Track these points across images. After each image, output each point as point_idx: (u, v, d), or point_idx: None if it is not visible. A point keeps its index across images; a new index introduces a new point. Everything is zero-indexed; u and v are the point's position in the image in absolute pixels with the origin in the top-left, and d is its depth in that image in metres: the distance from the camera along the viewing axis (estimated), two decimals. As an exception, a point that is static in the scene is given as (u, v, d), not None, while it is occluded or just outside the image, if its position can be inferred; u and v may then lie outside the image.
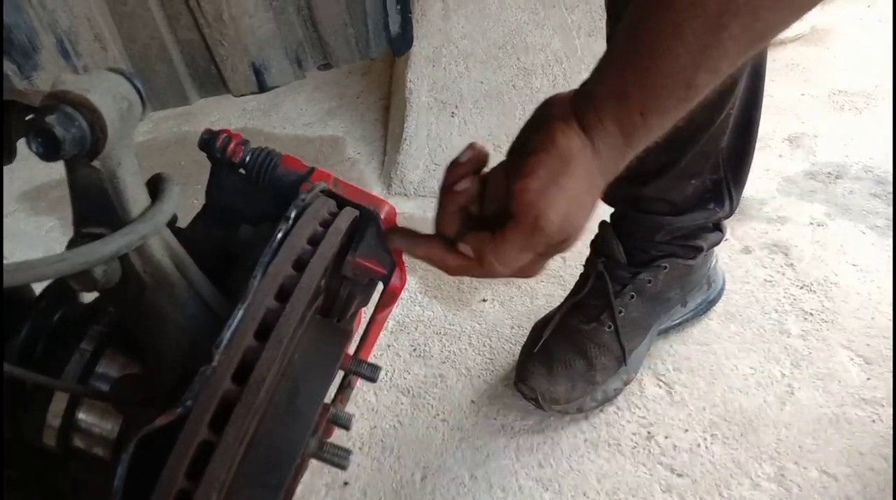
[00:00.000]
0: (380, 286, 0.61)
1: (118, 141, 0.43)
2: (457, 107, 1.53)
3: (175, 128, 1.75)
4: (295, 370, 0.47)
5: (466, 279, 1.21)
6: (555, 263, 1.22)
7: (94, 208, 0.44)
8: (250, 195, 0.59)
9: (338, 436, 0.97)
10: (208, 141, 0.59)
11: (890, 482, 0.84)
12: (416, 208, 1.40)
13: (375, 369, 0.54)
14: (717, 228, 1.00)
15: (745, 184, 0.94)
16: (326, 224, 0.49)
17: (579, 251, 1.24)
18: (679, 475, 0.88)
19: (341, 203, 0.56)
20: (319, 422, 0.51)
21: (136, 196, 0.46)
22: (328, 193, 0.56)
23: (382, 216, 0.58)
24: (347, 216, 0.52)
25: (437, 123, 1.52)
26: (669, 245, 0.96)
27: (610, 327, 0.96)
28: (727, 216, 0.96)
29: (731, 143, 0.89)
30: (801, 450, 0.89)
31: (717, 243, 1.00)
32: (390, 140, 1.58)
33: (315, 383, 0.47)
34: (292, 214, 0.47)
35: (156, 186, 0.49)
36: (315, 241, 0.47)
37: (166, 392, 0.46)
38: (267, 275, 0.42)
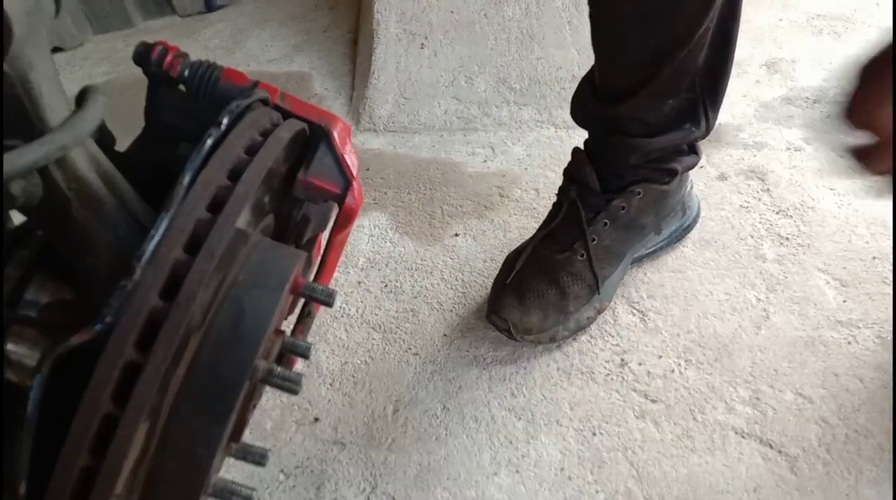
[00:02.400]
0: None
1: (28, 39, 0.39)
2: (426, 38, 1.48)
3: (134, 69, 1.68)
4: (239, 293, 0.44)
5: (438, 214, 1.18)
6: (528, 195, 1.19)
7: (6, 119, 0.40)
8: (191, 113, 0.55)
9: (308, 377, 0.95)
10: (143, 54, 0.55)
11: (865, 403, 0.84)
12: (385, 144, 1.36)
13: (331, 293, 0.51)
14: (693, 150, 0.97)
15: (721, 104, 0.91)
16: (267, 134, 0.45)
17: (552, 183, 1.22)
18: (653, 401, 0.87)
19: (287, 117, 0.52)
20: (270, 346, 0.49)
21: (54, 104, 0.42)
22: (274, 107, 0.52)
23: (335, 134, 0.55)
24: (291, 127, 0.48)
25: (407, 55, 1.47)
26: (644, 169, 0.93)
27: (583, 255, 0.94)
28: (703, 136, 0.93)
29: (708, 60, 0.86)
30: (776, 373, 0.88)
31: (693, 167, 0.97)
32: (358, 74, 1.53)
33: (262, 303, 0.44)
34: (224, 120, 0.44)
35: (81, 98, 0.45)
36: (253, 150, 0.43)
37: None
38: (197, 183, 0.39)
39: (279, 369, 0.45)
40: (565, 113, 1.35)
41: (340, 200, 0.54)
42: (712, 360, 0.90)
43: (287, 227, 0.57)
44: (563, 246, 0.94)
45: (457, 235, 1.14)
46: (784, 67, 1.40)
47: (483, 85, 1.41)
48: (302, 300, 0.62)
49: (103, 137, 0.53)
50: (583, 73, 1.40)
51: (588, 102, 0.93)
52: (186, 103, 0.56)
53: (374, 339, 1.00)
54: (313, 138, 0.55)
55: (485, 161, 1.28)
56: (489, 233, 1.14)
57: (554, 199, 1.17)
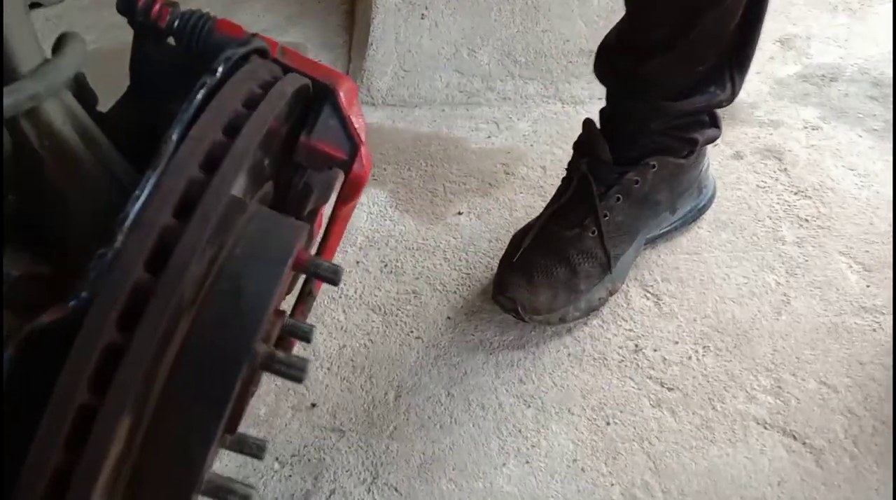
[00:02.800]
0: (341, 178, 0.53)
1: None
2: (427, 8, 1.41)
3: (121, 36, 1.61)
4: (237, 267, 0.39)
5: (440, 192, 1.13)
6: (535, 172, 1.14)
7: (-35, 62, 0.34)
8: (181, 68, 0.49)
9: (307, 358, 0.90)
10: (128, 2, 0.49)
11: (891, 392, 0.80)
12: (384, 118, 1.30)
13: (336, 269, 0.46)
14: (714, 123, 0.92)
15: (748, 70, 0.87)
16: (267, 87, 0.40)
17: (560, 160, 1.16)
18: (669, 389, 0.82)
19: (288, 72, 0.47)
20: (270, 328, 0.44)
21: (23, 48, 0.36)
22: (274, 61, 0.46)
23: (341, 93, 0.49)
24: (294, 81, 0.42)
25: (406, 25, 1.41)
26: (663, 136, 0.88)
27: (594, 232, 0.89)
28: (728, 101, 0.88)
29: (738, 23, 0.81)
30: (798, 361, 0.84)
31: (713, 140, 0.93)
32: (355, 46, 1.47)
33: (262, 280, 0.39)
34: (219, 68, 0.38)
35: (58, 46, 0.40)
36: (252, 104, 0.38)
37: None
38: (188, 137, 0.34)
39: (281, 353, 0.40)
40: (573, 87, 1.30)
41: (347, 166, 0.49)
42: (731, 346, 0.86)
43: (287, 196, 0.51)
44: (573, 222, 0.89)
45: (460, 213, 1.09)
46: (798, 44, 1.35)
47: (486, 58, 1.35)
48: (302, 278, 0.57)
49: (83, 93, 0.48)
50: (591, 46, 1.35)
51: (613, 56, 0.88)
52: (176, 58, 0.50)
53: (373, 321, 0.95)
54: (317, 98, 0.49)
55: (489, 137, 1.23)
56: (494, 212, 1.08)
57: (562, 176, 1.13)
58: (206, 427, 0.38)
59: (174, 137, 0.33)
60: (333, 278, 0.47)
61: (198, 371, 0.36)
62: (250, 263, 0.39)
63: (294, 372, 0.40)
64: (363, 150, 0.49)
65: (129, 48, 0.51)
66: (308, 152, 0.48)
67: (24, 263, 0.40)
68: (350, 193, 0.50)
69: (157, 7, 0.49)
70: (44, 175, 0.37)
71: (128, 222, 0.31)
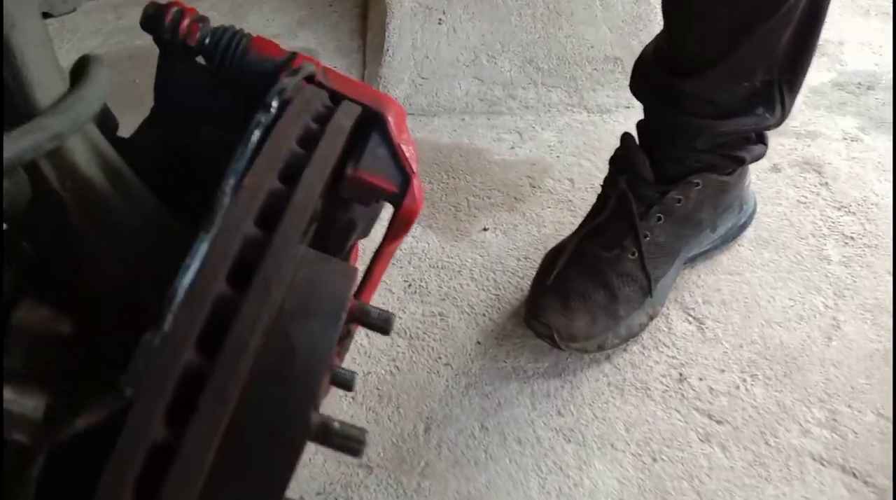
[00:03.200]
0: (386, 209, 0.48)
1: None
2: (444, 12, 1.36)
3: (127, 42, 1.56)
4: (287, 324, 0.34)
5: (463, 206, 1.08)
6: (562, 185, 1.09)
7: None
8: (212, 90, 0.45)
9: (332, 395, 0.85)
10: (154, 17, 0.44)
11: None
12: (402, 128, 1.25)
13: (388, 317, 0.41)
14: (761, 139, 0.87)
15: (799, 90, 0.81)
16: (322, 120, 0.35)
17: (588, 173, 1.11)
18: (718, 422, 0.77)
19: (336, 98, 0.42)
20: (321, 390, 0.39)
21: (44, 79, 0.31)
22: (318, 84, 0.42)
23: (391, 119, 0.44)
24: (350, 112, 0.38)
25: (423, 31, 1.36)
26: (708, 155, 0.83)
27: (634, 253, 0.84)
28: (777, 124, 0.83)
29: (791, 40, 0.76)
30: (853, 391, 0.79)
31: (759, 158, 0.88)
32: (370, 51, 1.42)
33: (315, 338, 0.34)
34: (274, 102, 0.33)
35: (79, 72, 0.35)
36: (308, 141, 0.33)
37: (106, 355, 0.33)
38: (242, 189, 0.29)
39: (336, 423, 0.35)
40: (598, 96, 1.25)
41: (397, 200, 0.44)
42: (781, 375, 0.81)
43: (329, 232, 0.46)
44: (611, 243, 0.84)
45: (485, 229, 1.04)
46: (831, 50, 1.30)
47: (507, 64, 1.30)
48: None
49: (105, 120, 0.43)
50: (615, 52, 1.31)
51: (652, 73, 0.82)
52: (206, 78, 0.45)
53: (399, 346, 0.90)
54: (363, 125, 0.44)
55: (512, 148, 1.18)
56: (521, 228, 1.04)
57: (590, 191, 1.08)
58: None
59: (228, 190, 0.28)
60: (385, 326, 0.42)
61: (249, 455, 0.31)
62: (300, 319, 0.34)
63: (352, 445, 0.35)
64: (415, 182, 0.44)
65: (134, 54, 0.46)
66: (355, 186, 0.43)
67: (42, 320, 0.35)
68: (400, 230, 0.45)
69: (185, 23, 0.44)
70: (68, 222, 0.32)
71: (177, 299, 0.26)
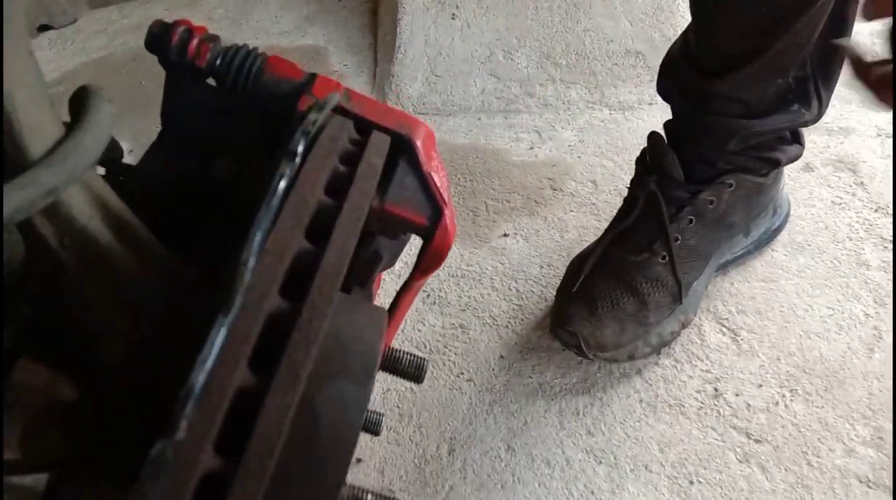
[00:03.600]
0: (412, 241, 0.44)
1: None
2: (458, 7, 1.32)
3: (133, 42, 1.52)
4: (313, 390, 0.30)
5: (482, 211, 1.04)
6: (584, 188, 1.05)
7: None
8: (225, 115, 0.41)
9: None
10: (159, 37, 0.40)
11: None
12: (416, 128, 1.21)
13: (421, 365, 0.38)
14: (797, 139, 0.83)
15: (836, 83, 0.77)
16: (351, 159, 0.31)
17: (612, 174, 1.07)
18: (757, 441, 0.74)
19: (362, 126, 0.38)
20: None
21: (37, 124, 0.28)
22: (342, 111, 0.38)
23: (419, 143, 0.41)
24: (381, 147, 0.34)
25: (436, 26, 1.31)
26: (741, 156, 0.79)
27: (664, 257, 0.80)
28: (814, 121, 0.79)
29: (824, 31, 0.71)
30: (899, 407, 0.75)
31: (796, 159, 0.83)
32: (381, 48, 1.37)
33: (346, 406, 0.30)
34: (299, 149, 0.29)
35: (77, 107, 0.31)
36: (337, 187, 0.29)
37: (113, 428, 0.29)
38: (266, 254, 0.25)
39: (370, 495, 0.31)
40: (619, 92, 1.21)
41: (428, 233, 0.40)
42: (822, 390, 0.77)
43: (353, 267, 0.43)
44: (640, 246, 0.81)
45: (506, 235, 1.00)
46: (864, 42, 1.25)
47: (524, 60, 1.26)
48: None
49: (108, 151, 0.39)
50: (637, 46, 1.26)
51: (679, 72, 0.78)
52: (218, 102, 0.42)
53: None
54: (390, 152, 0.40)
55: (531, 148, 1.14)
56: (543, 233, 1.00)
57: (615, 194, 1.04)
58: None
59: (250, 264, 0.25)
60: (417, 374, 0.39)
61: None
62: (327, 383, 0.31)
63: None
64: (447, 213, 0.40)
65: (139, 55, 0.43)
66: (382, 219, 0.39)
67: (42, 382, 0.32)
68: (430, 265, 0.42)
69: (194, 43, 0.40)
70: (66, 281, 0.29)
71: (191, 402, 0.23)
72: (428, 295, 0.94)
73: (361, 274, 0.44)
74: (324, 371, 0.32)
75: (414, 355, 0.39)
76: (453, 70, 1.27)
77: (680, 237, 0.81)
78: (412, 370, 0.38)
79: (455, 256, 0.98)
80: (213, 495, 0.22)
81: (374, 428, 0.44)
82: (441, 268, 0.97)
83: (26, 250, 0.28)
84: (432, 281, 0.95)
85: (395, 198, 0.39)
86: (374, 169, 0.32)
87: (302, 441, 0.29)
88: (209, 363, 0.23)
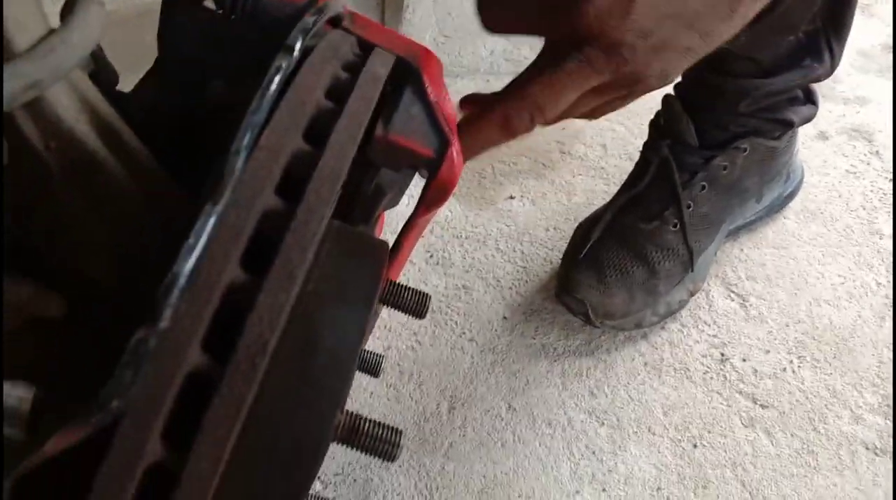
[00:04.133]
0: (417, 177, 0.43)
1: None
2: (469, -33, 1.29)
3: (135, -2, 1.50)
4: (310, 310, 0.29)
5: (488, 173, 1.03)
6: (594, 152, 1.03)
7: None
8: (223, 39, 0.39)
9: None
10: (156, -46, 0.39)
11: None
12: (423, 89, 1.19)
13: (424, 299, 0.37)
14: (810, 99, 0.81)
15: (847, 36, 0.75)
16: (353, 68, 0.30)
17: (622, 138, 1.05)
18: (763, 406, 0.72)
19: (365, 46, 0.36)
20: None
21: (22, 17, 0.26)
22: (344, 31, 0.36)
23: (426, 72, 0.39)
24: (385, 60, 0.32)
25: (446, -14, 1.28)
26: (754, 118, 0.77)
27: (675, 225, 0.78)
28: (827, 75, 0.77)
29: None
30: (909, 375, 0.74)
31: (810, 119, 0.81)
32: (388, 8, 1.34)
33: (343, 330, 0.29)
34: (297, 44, 0.28)
35: (66, 10, 0.30)
36: (338, 92, 0.27)
37: (99, 345, 0.28)
38: (259, 149, 0.23)
39: (367, 422, 0.30)
40: (631, 57, 1.18)
41: (434, 167, 0.39)
42: (830, 357, 0.76)
43: (354, 200, 0.41)
44: (651, 214, 0.79)
45: (512, 197, 0.98)
46: (880, 11, 1.22)
47: (535, 23, 1.23)
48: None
49: (99, 72, 0.38)
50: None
51: None
52: (216, 26, 0.40)
53: (421, 320, 0.85)
54: (395, 79, 0.39)
55: (540, 111, 1.11)
56: (550, 196, 0.98)
57: (625, 158, 1.02)
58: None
59: (241, 149, 0.23)
60: (419, 310, 0.37)
61: (263, 461, 0.27)
62: (325, 306, 0.30)
63: (385, 448, 0.31)
64: (454, 146, 0.39)
65: (143, 12, 0.41)
66: (385, 149, 0.38)
67: (27, 298, 0.30)
68: (434, 200, 0.40)
69: (192, -39, 0.38)
70: (50, 190, 0.27)
71: (176, 291, 0.21)
72: (431, 256, 0.93)
73: (364, 209, 0.43)
74: (322, 294, 0.30)
75: (416, 290, 0.38)
76: (462, 30, 1.24)
77: (692, 205, 0.79)
78: (414, 304, 0.37)
79: (460, 217, 0.97)
80: (199, 394, 0.20)
81: (374, 369, 0.43)
82: (444, 228, 0.96)
83: (8, 153, 0.27)
84: (436, 242, 0.94)
85: (399, 127, 0.38)
86: (378, 77, 0.30)
87: (297, 360, 0.28)
88: (196, 253, 0.21)
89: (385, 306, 0.47)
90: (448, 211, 0.98)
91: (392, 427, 0.32)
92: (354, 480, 0.72)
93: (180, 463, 0.20)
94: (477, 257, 0.92)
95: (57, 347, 0.28)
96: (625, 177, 0.85)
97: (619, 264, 0.78)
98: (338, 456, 0.74)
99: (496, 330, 0.83)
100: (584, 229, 0.83)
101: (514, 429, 0.74)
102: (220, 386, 0.20)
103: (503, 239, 0.93)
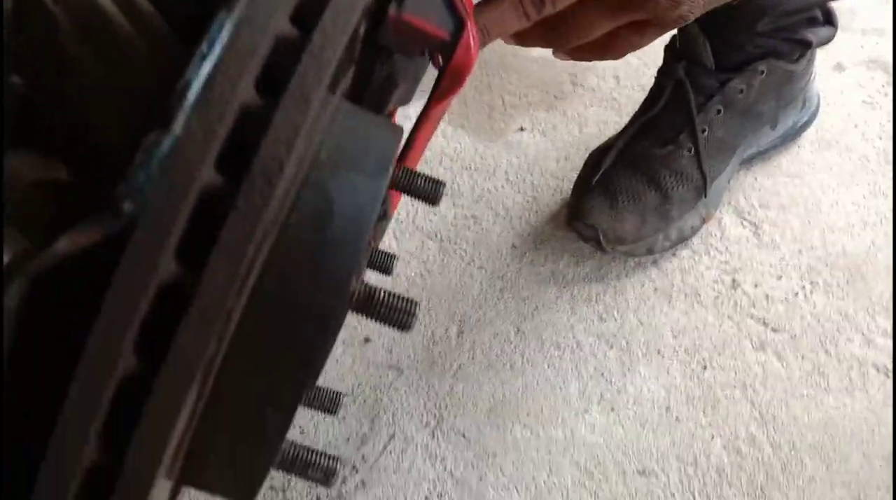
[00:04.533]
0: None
1: None
2: None
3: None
4: (323, 178, 0.28)
5: (498, 105, 1.01)
6: (606, 83, 1.02)
7: None
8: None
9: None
10: None
11: None
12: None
13: (437, 184, 0.36)
14: (829, 20, 0.79)
15: None
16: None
17: (636, 70, 1.03)
18: (774, 330, 0.72)
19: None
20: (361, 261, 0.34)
21: None
22: None
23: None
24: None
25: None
26: (772, 38, 0.76)
27: (690, 149, 0.77)
28: None
29: None
30: (921, 300, 0.73)
31: (828, 41, 0.80)
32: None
33: (359, 195, 0.29)
34: None
35: None
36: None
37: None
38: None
39: (383, 292, 0.30)
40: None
41: (448, 50, 0.38)
42: (843, 283, 0.75)
43: (365, 88, 0.40)
44: (666, 138, 0.78)
45: (522, 129, 0.97)
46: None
47: (547, -45, 1.20)
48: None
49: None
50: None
51: None
52: None
53: (429, 248, 0.85)
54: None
55: (551, 44, 1.09)
56: (561, 128, 0.97)
57: (638, 88, 1.00)
58: (286, 397, 0.28)
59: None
60: (434, 195, 0.37)
61: (276, 323, 0.27)
62: (341, 173, 0.29)
63: (401, 318, 0.30)
64: (470, 28, 0.38)
65: None
66: (398, 30, 0.37)
67: (33, 167, 0.30)
68: (449, 87, 0.39)
69: None
70: (59, 45, 0.26)
71: (191, 96, 0.21)
72: (440, 186, 0.92)
73: (375, 100, 0.42)
74: (338, 162, 0.30)
75: (429, 176, 0.37)
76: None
77: (707, 129, 0.78)
78: (428, 190, 0.36)
79: (469, 149, 0.96)
80: (213, 217, 0.20)
81: (386, 267, 0.43)
82: (454, 160, 0.95)
83: (14, 7, 0.26)
84: (445, 173, 0.93)
85: (413, 8, 0.37)
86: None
87: (309, 227, 0.28)
88: (209, 64, 0.21)
89: (393, 206, 0.47)
90: (457, 143, 0.97)
91: (408, 298, 0.31)
92: (364, 400, 0.72)
93: (194, 283, 0.19)
94: (486, 187, 0.91)
95: (64, 208, 0.28)
96: (638, 107, 0.83)
97: (632, 190, 0.77)
98: (347, 379, 0.74)
99: (505, 258, 0.83)
100: (596, 157, 0.82)
101: (522, 352, 0.74)
102: (235, 202, 0.20)
103: (513, 170, 0.92)
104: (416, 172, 0.37)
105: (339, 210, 0.28)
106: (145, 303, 0.19)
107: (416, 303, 0.31)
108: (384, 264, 0.43)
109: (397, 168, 0.36)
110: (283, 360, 0.27)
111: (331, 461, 0.33)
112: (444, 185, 0.37)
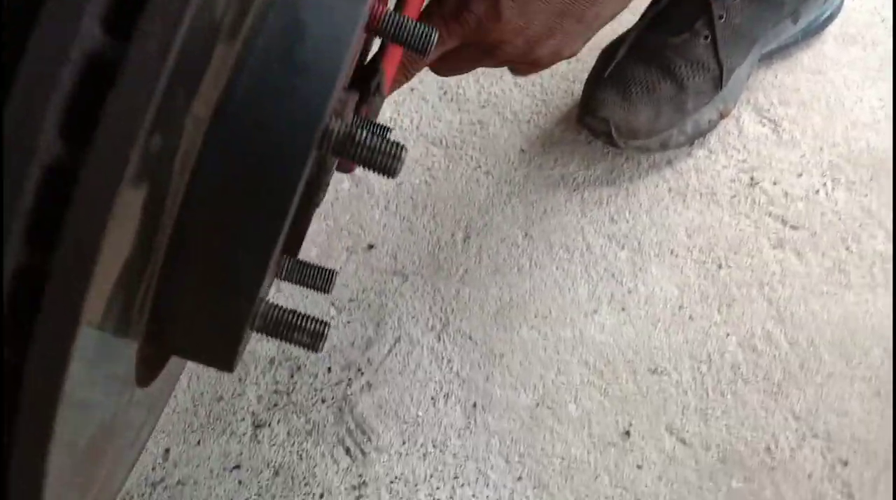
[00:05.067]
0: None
1: None
2: None
3: None
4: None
5: (505, 8, 0.96)
6: (618, -18, 0.96)
7: None
8: None
9: (355, 197, 0.78)
10: None
11: None
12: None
13: (429, 33, 0.33)
14: None
15: None
16: None
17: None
18: (793, 228, 0.69)
19: None
20: (342, 103, 0.31)
21: None
22: None
23: None
24: None
25: None
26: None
27: (706, 37, 0.73)
28: None
29: None
30: (949, 195, 0.70)
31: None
32: None
33: (335, 16, 0.26)
34: None
35: None
36: None
37: None
38: None
39: (365, 133, 0.27)
40: None
41: None
42: (866, 179, 0.72)
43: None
44: (680, 26, 0.74)
45: (530, 32, 0.93)
46: None
47: None
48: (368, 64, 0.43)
49: None
50: None
51: None
52: None
53: (434, 155, 0.82)
54: None
55: (561, -55, 1.04)
56: (571, 30, 0.92)
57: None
58: (257, 236, 0.26)
59: None
60: (423, 43, 0.33)
61: (245, 151, 0.24)
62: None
63: (385, 161, 0.28)
64: None
65: None
66: None
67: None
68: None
69: None
70: None
71: None
72: (445, 92, 0.88)
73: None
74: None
75: (423, 24, 0.34)
76: None
77: (724, 15, 0.73)
78: (416, 38, 0.33)
79: (475, 54, 0.91)
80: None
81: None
82: (460, 64, 0.91)
83: None
84: (450, 79, 0.89)
85: None
86: None
87: (279, 45, 0.25)
88: None
89: (388, 82, 0.44)
90: (462, 49, 0.92)
91: (396, 142, 0.29)
92: (369, 305, 0.70)
93: (119, 51, 0.17)
94: (493, 91, 0.87)
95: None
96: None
97: (646, 80, 0.73)
98: (352, 285, 0.72)
99: (513, 163, 0.80)
100: (609, 50, 0.78)
101: (530, 255, 0.72)
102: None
103: (521, 74, 0.88)
104: (401, 16, 0.34)
105: (311, 31, 0.26)
106: (68, 76, 0.16)
107: (403, 146, 0.28)
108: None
109: (381, 12, 0.33)
110: (250, 196, 0.25)
111: (317, 325, 0.31)
112: (436, 33, 0.34)
